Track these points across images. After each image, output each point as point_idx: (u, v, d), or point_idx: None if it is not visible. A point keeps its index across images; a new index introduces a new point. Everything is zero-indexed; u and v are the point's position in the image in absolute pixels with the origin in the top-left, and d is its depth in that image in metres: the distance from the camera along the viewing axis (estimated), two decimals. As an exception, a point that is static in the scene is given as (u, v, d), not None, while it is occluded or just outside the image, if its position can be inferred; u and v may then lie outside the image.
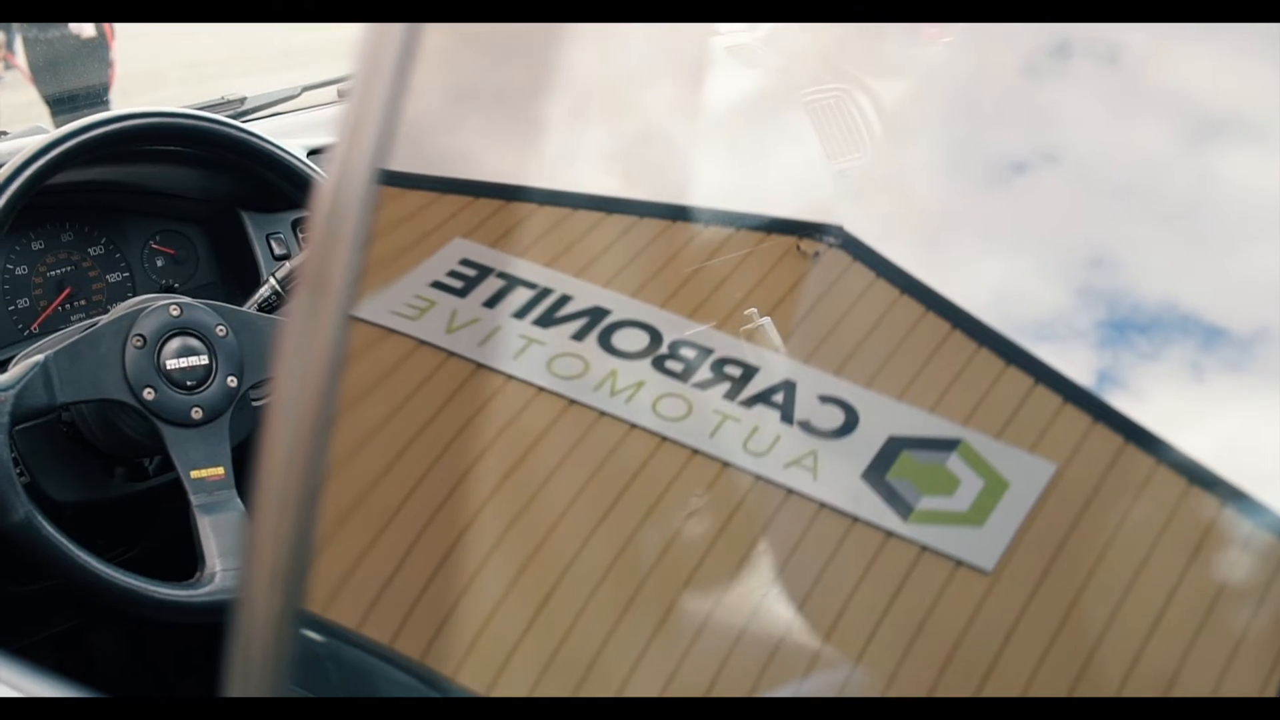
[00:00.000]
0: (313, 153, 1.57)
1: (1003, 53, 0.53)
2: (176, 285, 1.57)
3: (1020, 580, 0.47)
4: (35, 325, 1.50)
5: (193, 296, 1.58)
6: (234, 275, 1.59)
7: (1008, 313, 0.48)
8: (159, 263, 1.57)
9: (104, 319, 1.26)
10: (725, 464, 0.48)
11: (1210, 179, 0.50)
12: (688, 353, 0.51)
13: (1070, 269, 0.49)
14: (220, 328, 1.29)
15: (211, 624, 1.21)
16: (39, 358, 1.19)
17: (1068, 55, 0.50)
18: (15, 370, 1.18)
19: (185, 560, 1.37)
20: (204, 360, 1.27)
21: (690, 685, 0.48)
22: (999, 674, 0.47)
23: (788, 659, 0.47)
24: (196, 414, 1.25)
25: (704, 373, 0.50)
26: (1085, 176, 0.50)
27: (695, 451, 0.49)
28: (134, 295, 1.55)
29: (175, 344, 1.26)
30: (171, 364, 1.25)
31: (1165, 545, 0.49)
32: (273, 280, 1.41)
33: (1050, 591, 0.47)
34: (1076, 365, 0.48)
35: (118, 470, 1.36)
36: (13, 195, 1.22)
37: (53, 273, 1.52)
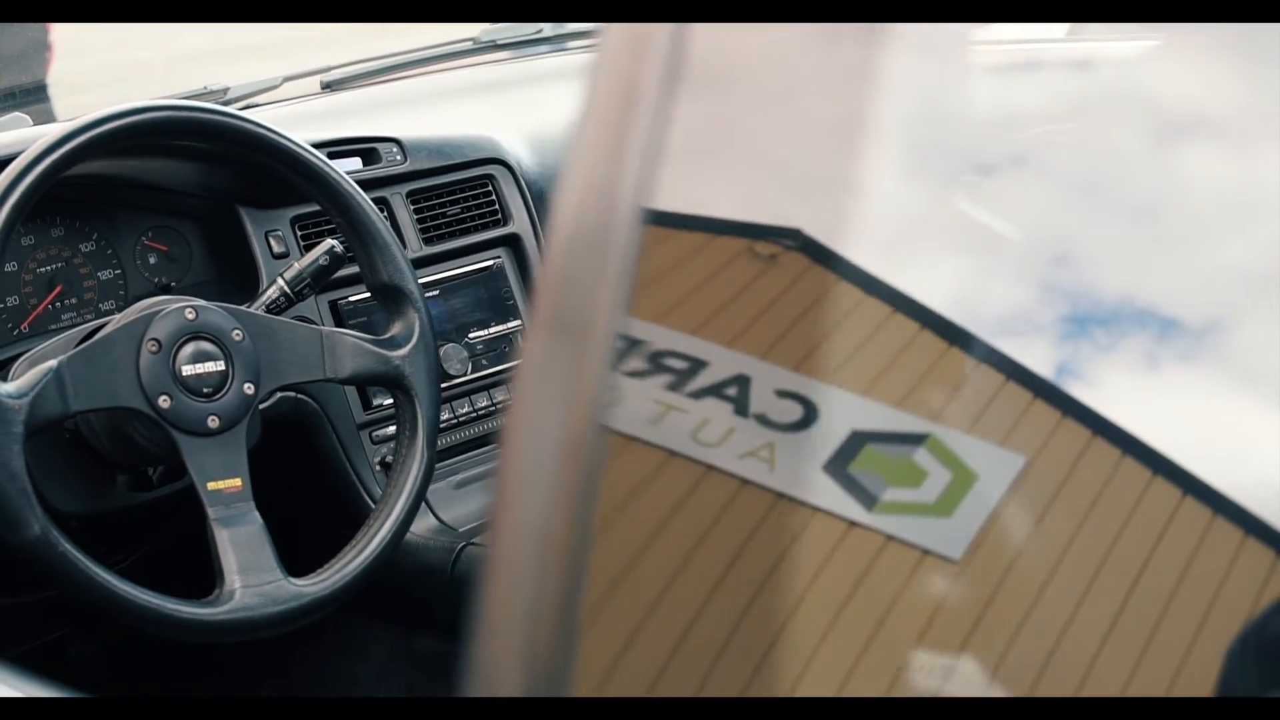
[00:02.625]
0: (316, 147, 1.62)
1: (966, 54, 0.57)
2: (173, 284, 1.63)
3: (989, 569, 0.52)
4: (25, 325, 1.56)
5: (187, 296, 1.64)
6: (230, 274, 1.65)
7: (974, 311, 0.53)
8: (151, 260, 1.64)
9: (116, 322, 1.31)
10: (671, 453, 0.53)
11: (1172, 178, 0.55)
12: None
13: (1036, 267, 0.54)
14: (236, 332, 1.33)
15: (226, 643, 1.27)
16: (52, 364, 1.23)
17: (1031, 57, 0.55)
18: (27, 377, 1.22)
19: (183, 569, 1.42)
20: (220, 366, 1.31)
21: (633, 677, 0.52)
22: (968, 660, 0.52)
23: (744, 651, 0.52)
24: (213, 422, 1.30)
25: (637, 364, 0.54)
26: (1049, 177, 0.54)
27: (634, 439, 0.53)
28: (125, 293, 1.61)
29: (190, 349, 1.30)
30: (187, 370, 1.29)
31: (1129, 535, 0.54)
32: (281, 282, 1.45)
33: (1018, 580, 0.53)
34: (1042, 361, 0.53)
35: (119, 478, 1.42)
36: (30, 186, 1.25)
37: (43, 269, 1.58)
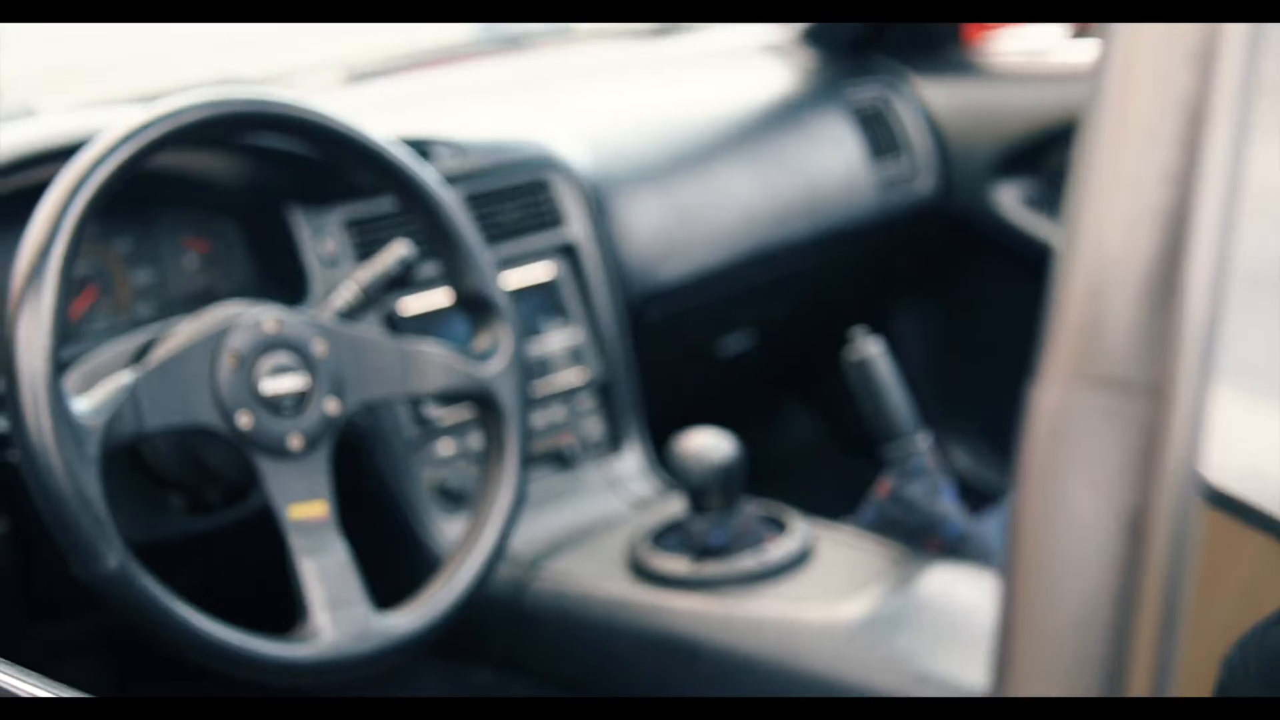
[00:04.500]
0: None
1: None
2: (218, 288, 1.56)
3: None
4: None
5: (229, 299, 1.57)
6: (276, 277, 1.58)
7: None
8: (191, 261, 1.57)
9: (189, 332, 1.23)
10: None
11: None
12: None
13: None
14: (318, 344, 1.26)
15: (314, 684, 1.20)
16: (126, 380, 1.16)
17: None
18: (100, 395, 1.15)
19: (227, 596, 1.36)
20: (302, 381, 1.24)
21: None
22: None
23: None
24: (295, 443, 1.23)
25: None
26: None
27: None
28: (163, 296, 1.54)
29: (271, 362, 1.23)
30: (267, 386, 1.22)
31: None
32: (352, 288, 1.37)
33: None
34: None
35: (173, 498, 1.35)
36: (109, 178, 1.16)
37: (76, 269, 1.50)
